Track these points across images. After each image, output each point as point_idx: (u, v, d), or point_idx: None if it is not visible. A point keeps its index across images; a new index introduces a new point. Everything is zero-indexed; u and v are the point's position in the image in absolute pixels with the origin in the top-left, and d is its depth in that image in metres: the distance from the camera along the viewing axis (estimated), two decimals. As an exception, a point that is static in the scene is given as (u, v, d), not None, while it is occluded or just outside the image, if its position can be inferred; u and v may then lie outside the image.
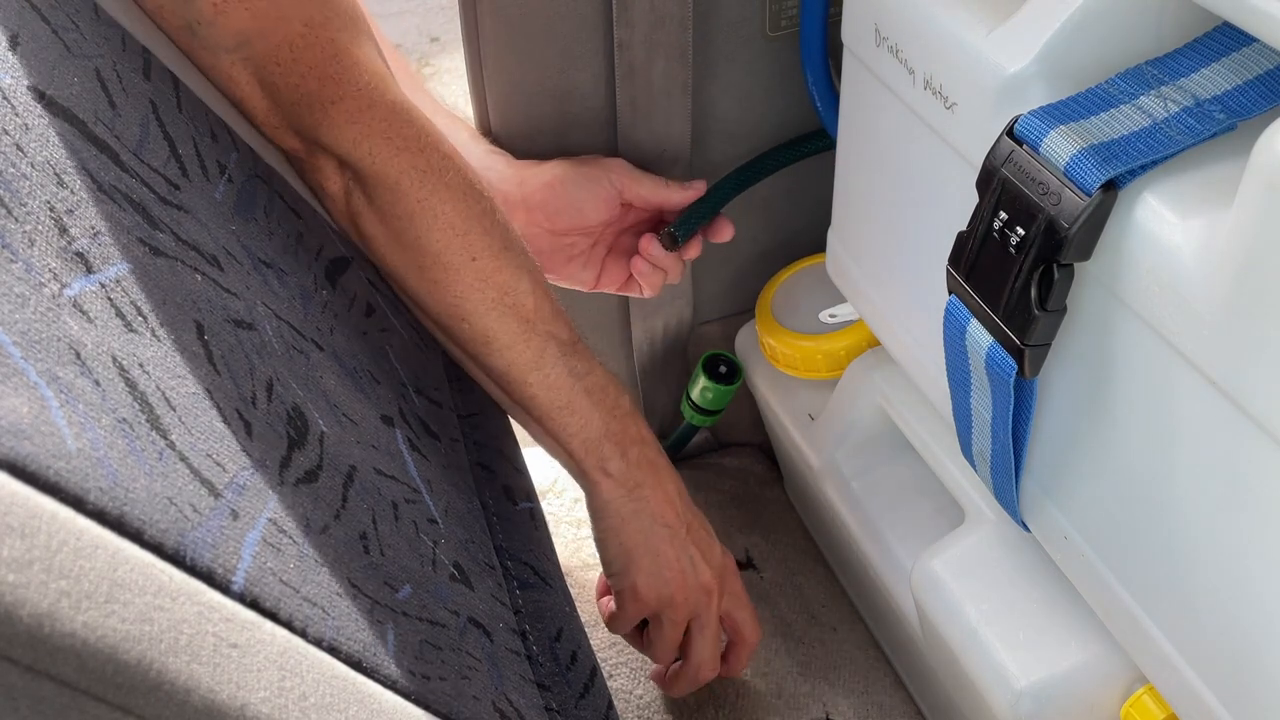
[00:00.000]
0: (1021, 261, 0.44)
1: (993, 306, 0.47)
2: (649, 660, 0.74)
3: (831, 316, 0.82)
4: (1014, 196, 0.44)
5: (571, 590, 0.62)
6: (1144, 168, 0.41)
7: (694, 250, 0.79)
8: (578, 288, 0.81)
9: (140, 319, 0.33)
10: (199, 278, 0.39)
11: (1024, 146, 0.44)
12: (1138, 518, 0.48)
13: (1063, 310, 0.45)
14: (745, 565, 0.90)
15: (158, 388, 0.32)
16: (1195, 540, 0.45)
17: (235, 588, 0.30)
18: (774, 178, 0.83)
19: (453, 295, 0.58)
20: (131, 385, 0.31)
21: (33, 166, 0.33)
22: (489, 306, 0.59)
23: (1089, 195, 0.41)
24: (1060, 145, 0.42)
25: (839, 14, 0.62)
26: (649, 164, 0.79)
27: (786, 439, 0.87)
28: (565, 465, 0.64)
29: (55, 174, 0.33)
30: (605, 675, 0.72)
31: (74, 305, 0.30)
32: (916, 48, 0.53)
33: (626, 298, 0.90)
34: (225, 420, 0.35)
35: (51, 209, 0.32)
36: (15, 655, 0.23)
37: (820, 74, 0.76)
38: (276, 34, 0.50)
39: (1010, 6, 0.48)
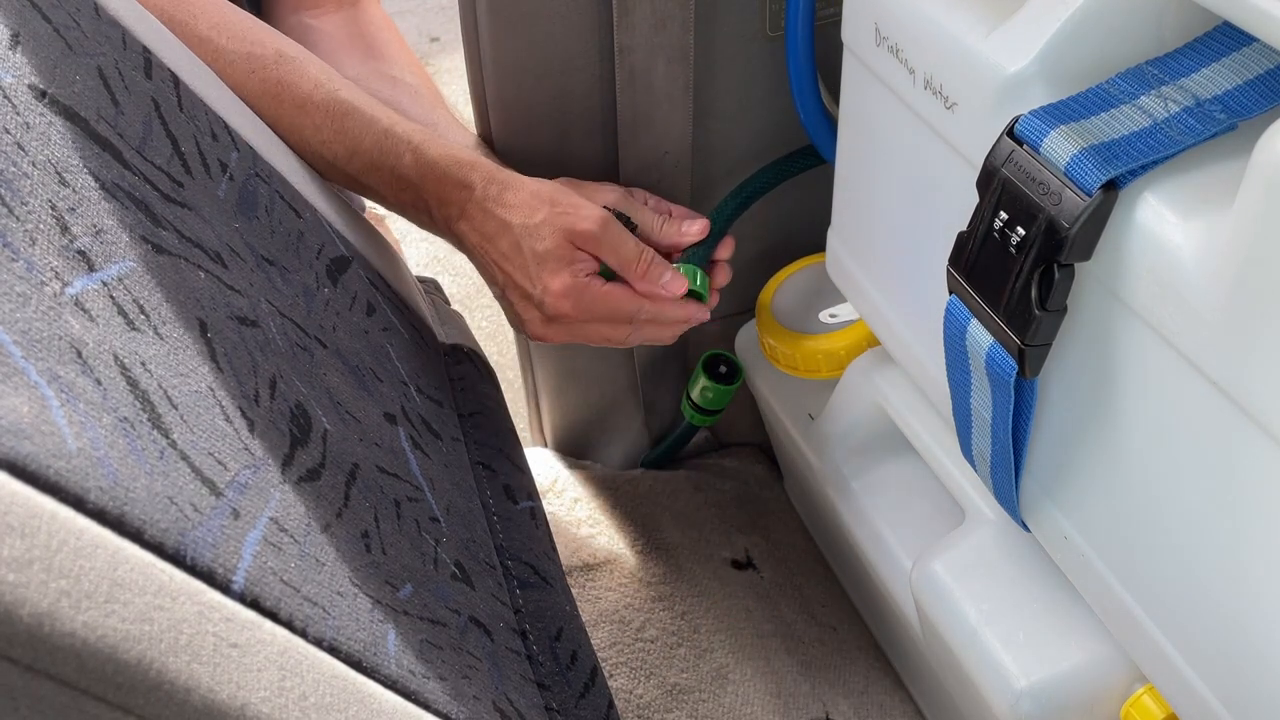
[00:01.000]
0: (1022, 261, 0.44)
1: (993, 306, 0.47)
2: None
3: (831, 316, 0.82)
4: (1014, 196, 0.44)
5: (572, 590, 0.62)
6: (1144, 168, 0.41)
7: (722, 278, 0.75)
8: None
9: (143, 317, 0.33)
10: (202, 275, 0.39)
11: (1024, 146, 0.44)
12: (1138, 518, 0.48)
13: (1063, 310, 0.45)
14: (745, 565, 0.90)
15: (160, 386, 0.32)
16: (1195, 540, 0.45)
17: (235, 587, 0.30)
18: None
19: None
20: (133, 384, 0.31)
21: (34, 165, 0.33)
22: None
23: (1089, 195, 0.41)
24: (1061, 145, 0.42)
25: (829, 16, 0.61)
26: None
27: (786, 439, 0.86)
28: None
29: (57, 172, 0.33)
30: (605, 675, 0.72)
31: (75, 304, 0.30)
32: (916, 48, 0.53)
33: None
34: (228, 418, 0.35)
35: (53, 207, 0.32)
36: (15, 655, 0.23)
37: (808, 86, 0.73)
38: None
39: (1010, 6, 0.48)
